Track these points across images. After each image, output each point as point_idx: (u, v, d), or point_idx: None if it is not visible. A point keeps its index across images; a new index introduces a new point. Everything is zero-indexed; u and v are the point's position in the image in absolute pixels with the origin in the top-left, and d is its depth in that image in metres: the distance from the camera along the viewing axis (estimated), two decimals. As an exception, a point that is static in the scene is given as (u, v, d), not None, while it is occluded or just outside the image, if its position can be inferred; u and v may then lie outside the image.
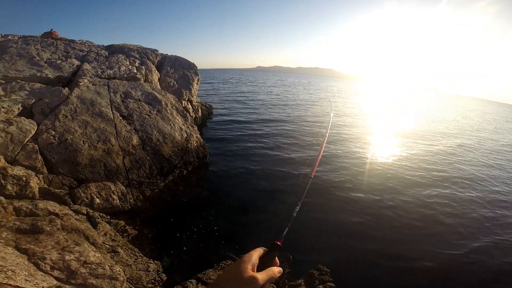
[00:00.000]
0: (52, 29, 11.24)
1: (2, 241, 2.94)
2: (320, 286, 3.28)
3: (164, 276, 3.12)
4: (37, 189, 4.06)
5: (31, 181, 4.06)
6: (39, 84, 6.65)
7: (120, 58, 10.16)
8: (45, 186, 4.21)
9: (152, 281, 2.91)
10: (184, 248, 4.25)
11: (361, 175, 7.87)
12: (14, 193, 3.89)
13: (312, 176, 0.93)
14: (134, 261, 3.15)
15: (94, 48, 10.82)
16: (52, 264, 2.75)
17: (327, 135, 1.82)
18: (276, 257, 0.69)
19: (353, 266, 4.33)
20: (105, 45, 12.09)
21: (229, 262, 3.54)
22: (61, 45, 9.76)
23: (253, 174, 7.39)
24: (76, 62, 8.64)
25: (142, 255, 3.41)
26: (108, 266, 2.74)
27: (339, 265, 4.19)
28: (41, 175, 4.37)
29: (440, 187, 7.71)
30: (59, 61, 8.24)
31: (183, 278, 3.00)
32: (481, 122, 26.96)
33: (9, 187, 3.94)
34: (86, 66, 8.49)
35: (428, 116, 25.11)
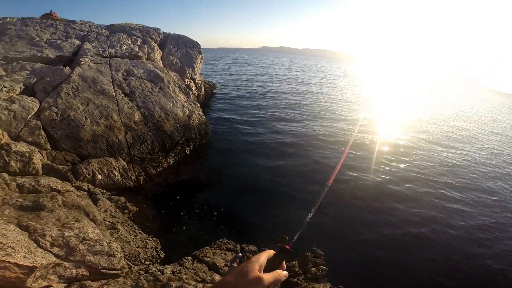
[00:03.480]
0: (51, 11, 10.62)
1: (5, 218, 2.76)
2: (313, 268, 3.16)
3: (162, 254, 2.98)
4: (40, 165, 3.84)
5: (34, 158, 3.83)
6: (40, 64, 6.25)
7: (121, 37, 9.54)
8: (48, 162, 4.00)
9: (150, 258, 2.75)
10: (184, 227, 4.07)
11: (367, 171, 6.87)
12: (17, 170, 3.69)
13: (329, 184, 0.86)
14: (133, 238, 2.96)
15: (94, 27, 10.17)
16: (52, 241, 2.58)
17: (350, 143, 1.36)
18: (284, 261, 0.65)
19: (347, 251, 4.08)
20: (106, 25, 11.39)
21: (226, 240, 3.41)
22: (60, 25, 9.16)
23: (254, 155, 6.92)
24: (77, 42, 8.12)
25: (142, 232, 3.25)
26: (106, 242, 2.55)
27: (333, 249, 3.95)
28: (44, 151, 4.15)
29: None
30: (59, 41, 7.74)
31: (180, 256, 2.87)
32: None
33: (12, 163, 3.72)
34: (87, 45, 7.97)
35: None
